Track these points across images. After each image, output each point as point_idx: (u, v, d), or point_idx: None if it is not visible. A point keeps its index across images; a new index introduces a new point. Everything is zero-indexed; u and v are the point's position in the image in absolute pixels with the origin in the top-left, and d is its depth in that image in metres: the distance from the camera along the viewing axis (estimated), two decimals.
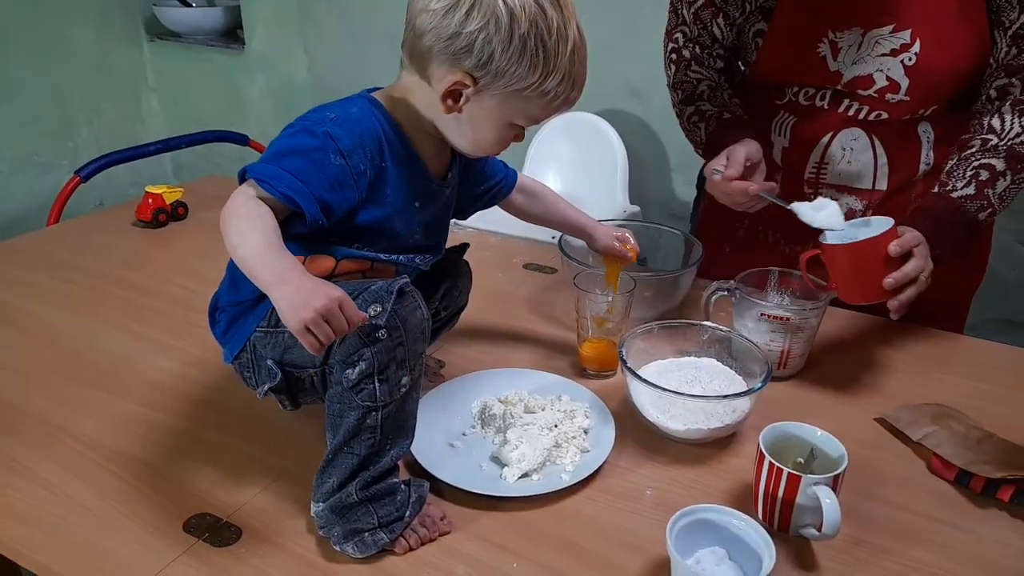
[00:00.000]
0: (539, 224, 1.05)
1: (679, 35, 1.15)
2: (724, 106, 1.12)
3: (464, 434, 0.88)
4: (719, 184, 1.02)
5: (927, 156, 1.08)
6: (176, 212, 1.50)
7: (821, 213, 0.94)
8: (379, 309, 0.68)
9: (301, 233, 0.74)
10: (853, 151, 1.09)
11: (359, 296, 0.69)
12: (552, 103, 0.76)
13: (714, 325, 0.97)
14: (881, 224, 0.91)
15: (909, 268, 0.88)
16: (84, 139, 2.72)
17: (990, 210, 0.98)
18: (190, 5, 2.73)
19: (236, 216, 0.70)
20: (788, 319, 0.96)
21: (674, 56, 1.17)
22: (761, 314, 0.97)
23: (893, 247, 0.88)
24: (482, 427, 0.88)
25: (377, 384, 0.69)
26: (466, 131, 0.78)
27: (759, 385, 0.85)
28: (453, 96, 0.74)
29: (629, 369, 0.87)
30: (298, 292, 0.64)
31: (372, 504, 0.71)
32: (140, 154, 1.88)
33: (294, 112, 0.79)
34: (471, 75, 0.72)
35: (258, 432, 0.90)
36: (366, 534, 0.71)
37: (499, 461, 0.83)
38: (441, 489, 0.80)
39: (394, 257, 0.80)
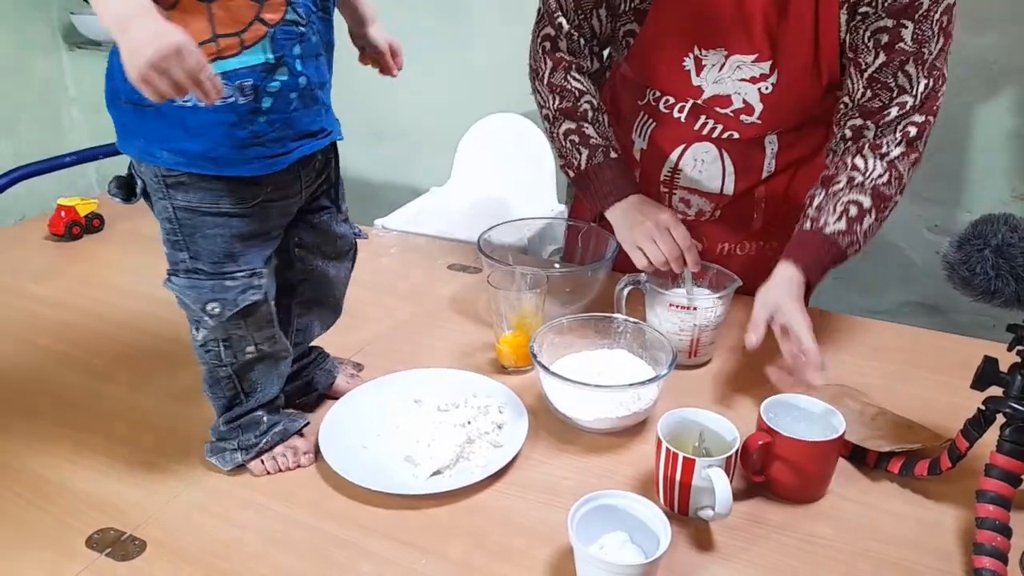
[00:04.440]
0: None
1: (561, 21, 1.09)
2: (608, 138, 1.11)
3: (378, 435, 0.88)
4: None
5: (769, 164, 1.16)
6: (91, 224, 1.46)
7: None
8: (219, 309, 0.77)
9: None
10: (704, 162, 1.15)
11: (217, 290, 0.76)
12: None
13: (624, 317, 0.99)
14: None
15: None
16: (2, 152, 2.62)
17: (856, 246, 1.00)
18: None
19: None
20: (695, 308, 0.99)
21: (547, 46, 1.12)
22: (670, 304, 1.00)
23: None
24: (395, 427, 0.89)
25: (222, 348, 0.80)
26: None
27: (664, 372, 0.87)
28: None
29: (539, 363, 0.88)
30: (135, 38, 0.60)
31: (236, 432, 0.85)
32: (56, 166, 1.83)
33: None
34: None
35: (170, 442, 0.89)
36: (226, 453, 0.85)
37: (412, 460, 0.83)
38: (355, 490, 0.80)
39: None
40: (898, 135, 1.00)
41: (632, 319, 0.99)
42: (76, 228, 1.43)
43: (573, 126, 1.10)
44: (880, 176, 1.00)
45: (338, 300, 0.95)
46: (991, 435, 0.73)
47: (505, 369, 1.02)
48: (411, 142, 2.23)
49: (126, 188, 0.78)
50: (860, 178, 1.00)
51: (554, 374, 0.86)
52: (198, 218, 0.75)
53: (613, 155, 1.08)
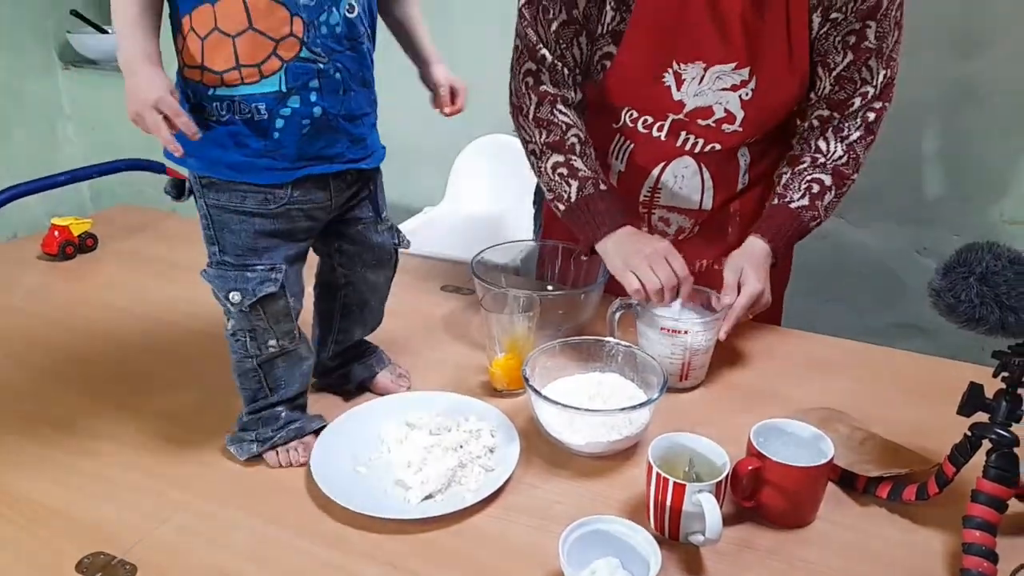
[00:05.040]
0: (390, 26, 0.97)
1: (544, 53, 1.10)
2: (596, 171, 1.11)
3: (370, 459, 0.88)
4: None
5: (744, 177, 1.20)
6: (84, 244, 1.46)
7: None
8: (239, 298, 0.84)
9: None
10: (684, 178, 1.18)
11: (239, 281, 0.83)
12: None
13: (616, 340, 1.00)
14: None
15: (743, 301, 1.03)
16: None
17: (818, 220, 1.11)
18: (105, 31, 2.68)
19: None
20: (686, 332, 0.99)
21: (531, 81, 1.12)
22: (661, 328, 1.01)
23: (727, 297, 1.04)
24: (388, 451, 0.89)
25: (248, 339, 0.87)
26: None
27: (655, 396, 0.88)
28: None
29: (531, 387, 0.89)
30: (132, 84, 0.75)
31: (256, 424, 0.90)
32: (49, 185, 1.82)
33: None
34: None
35: (161, 466, 0.89)
36: (244, 443, 0.90)
37: (403, 484, 0.83)
38: (346, 514, 0.80)
39: None
40: (859, 120, 1.11)
41: (624, 342, 0.99)
42: (69, 248, 1.44)
43: (561, 159, 1.11)
44: (840, 158, 1.11)
45: (379, 306, 1.03)
46: (978, 459, 0.74)
47: (498, 392, 1.03)
48: (405, 161, 2.23)
49: (179, 187, 0.88)
50: (822, 159, 1.12)
51: (546, 398, 0.87)
52: (226, 215, 0.84)
53: (603, 187, 1.09)
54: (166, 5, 0.79)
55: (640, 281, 1.01)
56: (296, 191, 0.84)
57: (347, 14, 0.81)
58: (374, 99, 0.89)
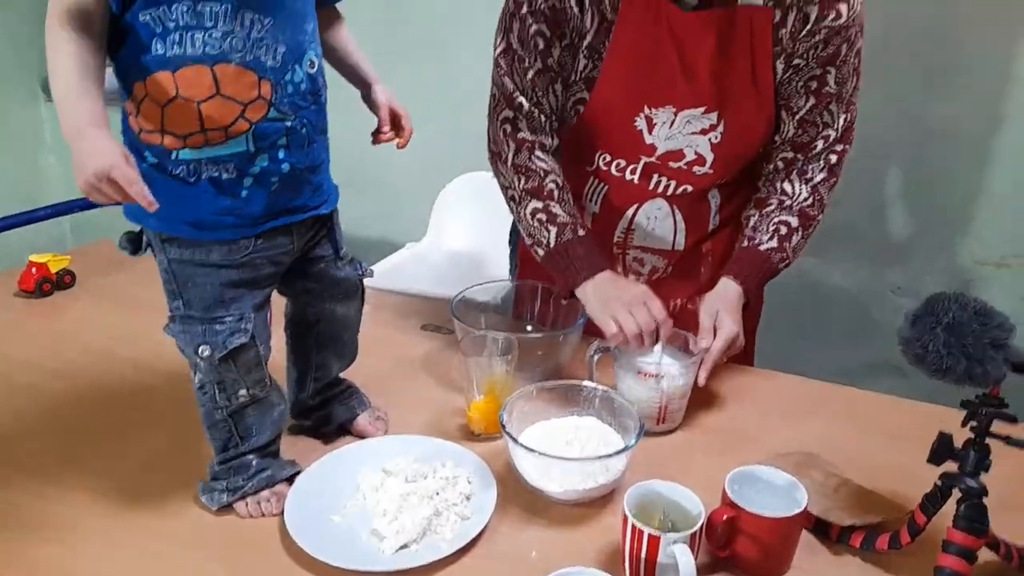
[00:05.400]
0: (326, 56, 0.93)
1: (521, 101, 1.12)
2: (574, 216, 1.13)
3: (345, 507, 0.88)
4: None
5: (714, 218, 1.23)
6: (63, 281, 1.45)
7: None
8: (209, 352, 0.82)
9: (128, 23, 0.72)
10: (656, 219, 1.20)
11: (207, 334, 0.81)
12: None
13: (592, 384, 1.00)
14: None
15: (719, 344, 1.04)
16: None
17: (787, 261, 1.14)
18: None
19: (50, 52, 0.71)
20: (664, 376, 1.00)
21: (508, 128, 1.14)
22: (639, 372, 1.01)
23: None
24: (363, 499, 0.88)
25: (217, 391, 0.86)
26: None
27: (631, 443, 0.88)
28: None
29: (508, 434, 0.89)
30: (80, 153, 0.68)
31: (228, 473, 0.89)
32: (29, 220, 1.83)
33: None
34: None
35: (136, 515, 0.88)
36: (215, 492, 0.88)
37: (378, 534, 0.83)
38: (319, 566, 0.79)
39: (221, 33, 0.73)
40: (822, 162, 1.15)
41: (601, 386, 1.00)
42: (47, 285, 1.42)
43: (540, 205, 1.12)
44: (806, 200, 1.15)
45: (352, 338, 1.03)
46: (950, 507, 0.75)
47: (475, 435, 1.03)
48: (388, 195, 2.25)
49: (135, 242, 0.85)
50: (789, 201, 1.15)
51: (523, 445, 0.87)
52: (190, 268, 0.82)
53: (581, 232, 1.11)
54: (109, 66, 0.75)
55: (619, 326, 1.02)
56: (260, 240, 0.84)
57: (309, 70, 0.81)
58: (327, 144, 0.90)
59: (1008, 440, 0.72)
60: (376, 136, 0.98)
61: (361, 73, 0.97)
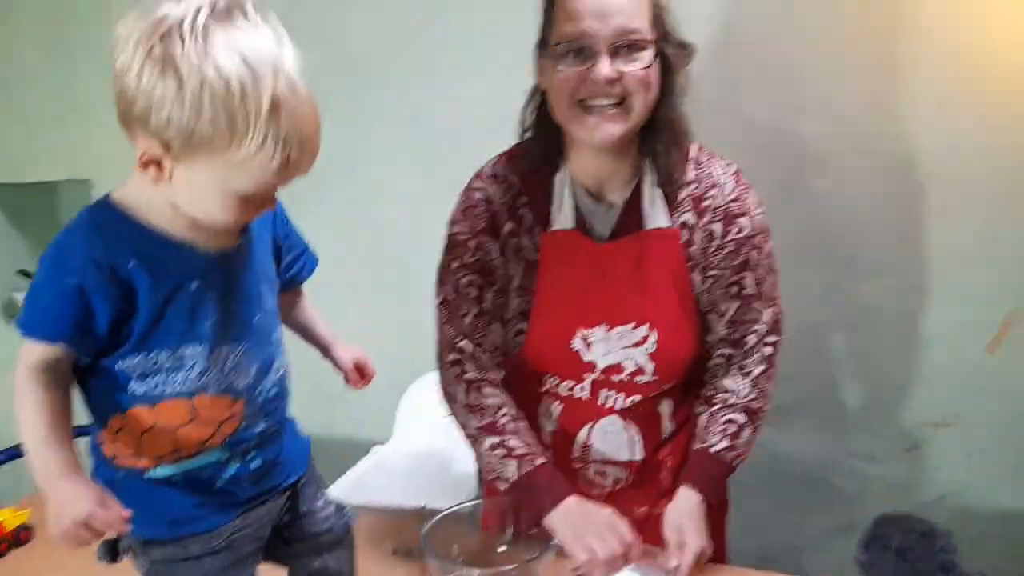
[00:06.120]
0: (288, 326, 0.99)
1: (463, 344, 1.19)
2: (531, 444, 1.17)
3: None
4: None
5: (668, 426, 1.29)
6: (19, 537, 1.41)
7: None
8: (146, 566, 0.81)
9: (104, 365, 0.75)
10: (612, 434, 1.25)
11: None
12: (270, 168, 0.72)
13: None
14: None
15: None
16: None
17: (741, 457, 1.20)
18: None
19: (18, 403, 0.72)
20: None
21: (456, 371, 1.20)
22: None
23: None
24: None
25: None
26: (188, 201, 0.75)
27: None
28: (154, 164, 0.73)
29: None
30: (55, 503, 0.70)
31: None
32: None
33: None
34: (161, 140, 0.70)
35: None
36: None
37: None
38: None
39: (198, 368, 0.76)
40: (757, 356, 1.22)
41: None
42: (3, 544, 1.38)
43: (496, 440, 1.17)
44: (748, 395, 1.21)
45: None
46: None
47: None
48: (354, 398, 2.27)
49: (112, 551, 0.85)
50: (733, 399, 1.22)
51: None
52: (172, 565, 0.82)
53: (540, 460, 1.14)
54: (82, 402, 0.78)
55: (589, 553, 1.03)
56: (239, 521, 0.86)
57: (276, 375, 0.86)
58: (289, 402, 0.93)
59: None
60: (346, 382, 1.03)
61: (321, 339, 1.04)
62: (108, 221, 0.77)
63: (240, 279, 0.83)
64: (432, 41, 1.95)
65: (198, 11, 0.67)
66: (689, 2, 1.63)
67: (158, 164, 0.72)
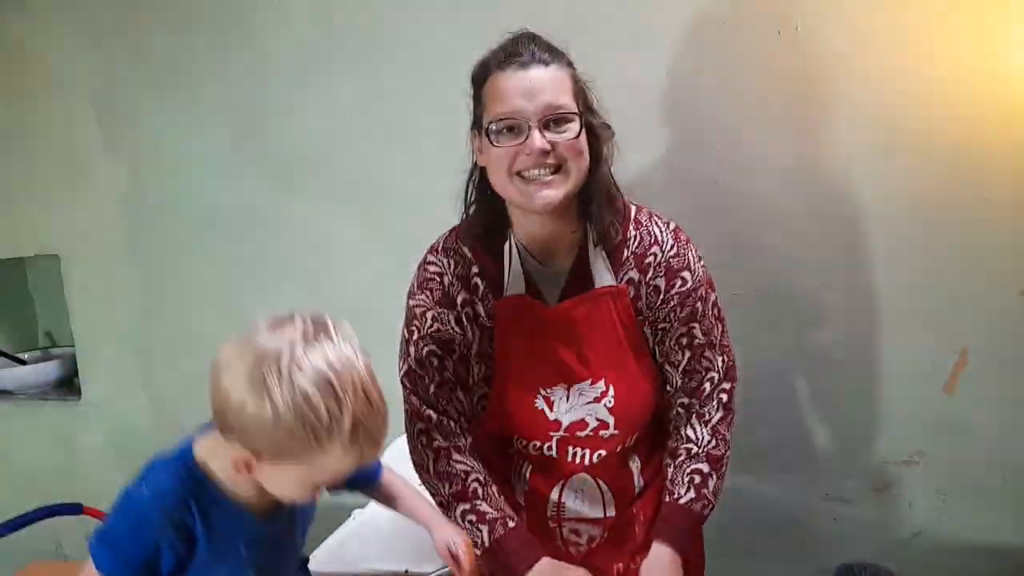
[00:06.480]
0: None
1: (429, 413, 1.21)
2: (502, 508, 1.20)
3: None
4: None
5: (638, 481, 1.31)
6: None
7: None
8: None
9: None
10: (583, 492, 1.27)
11: None
12: (345, 466, 0.87)
13: None
14: None
15: None
16: None
17: (710, 506, 1.23)
18: (24, 362, 2.71)
19: None
20: None
21: (424, 440, 1.23)
22: None
23: None
24: None
25: None
26: (270, 486, 0.89)
27: None
28: (245, 465, 0.86)
29: None
30: None
31: None
32: None
33: (139, 460, 0.94)
34: (253, 451, 0.84)
35: None
36: None
37: None
38: None
39: None
40: (715, 402, 1.25)
41: None
42: None
43: (468, 507, 1.19)
44: (709, 442, 1.24)
45: None
46: None
47: None
48: None
49: None
50: (695, 448, 1.24)
51: None
52: None
53: (511, 524, 1.16)
54: None
55: None
56: None
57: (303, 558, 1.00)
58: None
59: None
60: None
61: (414, 516, 1.14)
62: (189, 483, 0.90)
63: (281, 536, 1.01)
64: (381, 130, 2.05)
65: (292, 345, 0.81)
66: (638, 70, 1.75)
67: (248, 465, 0.87)
